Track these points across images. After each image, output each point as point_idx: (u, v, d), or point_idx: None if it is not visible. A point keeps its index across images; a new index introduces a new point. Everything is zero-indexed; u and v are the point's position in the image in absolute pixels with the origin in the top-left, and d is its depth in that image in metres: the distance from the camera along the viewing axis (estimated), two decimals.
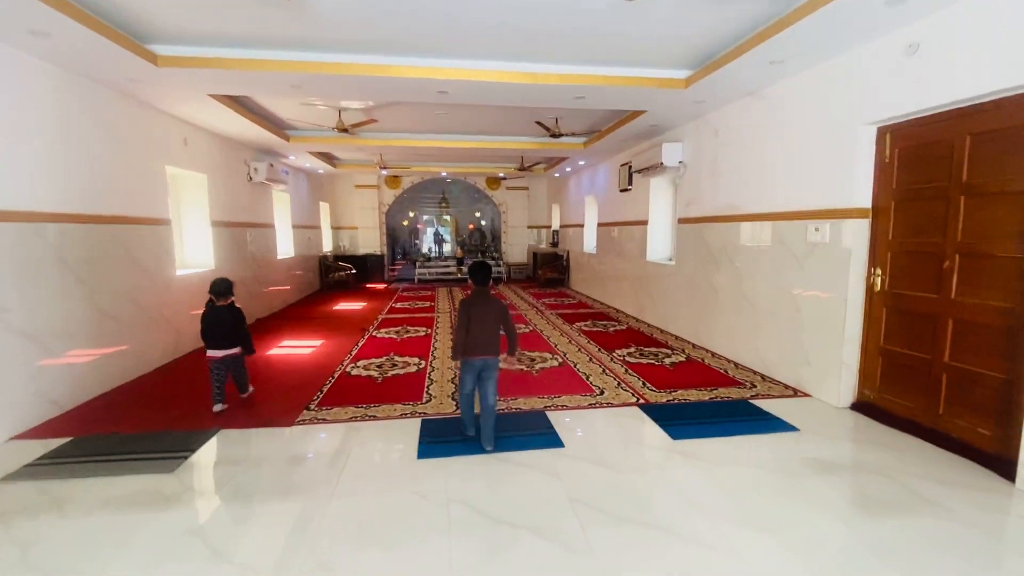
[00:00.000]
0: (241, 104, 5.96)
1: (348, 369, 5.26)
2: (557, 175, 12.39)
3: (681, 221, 6.69)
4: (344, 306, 9.77)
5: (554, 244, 14.29)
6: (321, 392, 4.55)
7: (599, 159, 9.48)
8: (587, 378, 4.89)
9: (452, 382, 4.79)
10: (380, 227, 14.65)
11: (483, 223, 20.29)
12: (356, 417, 3.94)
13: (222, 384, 4.14)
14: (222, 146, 7.15)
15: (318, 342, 6.58)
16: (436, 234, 21.57)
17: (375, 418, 3.93)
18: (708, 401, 4.29)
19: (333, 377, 5.00)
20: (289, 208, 10.24)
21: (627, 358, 5.63)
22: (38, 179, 3.92)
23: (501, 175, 12.91)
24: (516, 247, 15.24)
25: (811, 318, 4.39)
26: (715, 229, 5.84)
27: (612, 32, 3.95)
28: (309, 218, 11.66)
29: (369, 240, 14.35)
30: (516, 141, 8.33)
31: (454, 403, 4.20)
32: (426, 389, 4.59)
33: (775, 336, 4.83)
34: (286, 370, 5.30)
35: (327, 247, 13.37)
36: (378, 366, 5.37)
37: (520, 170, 10.43)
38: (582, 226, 11.33)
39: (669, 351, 5.94)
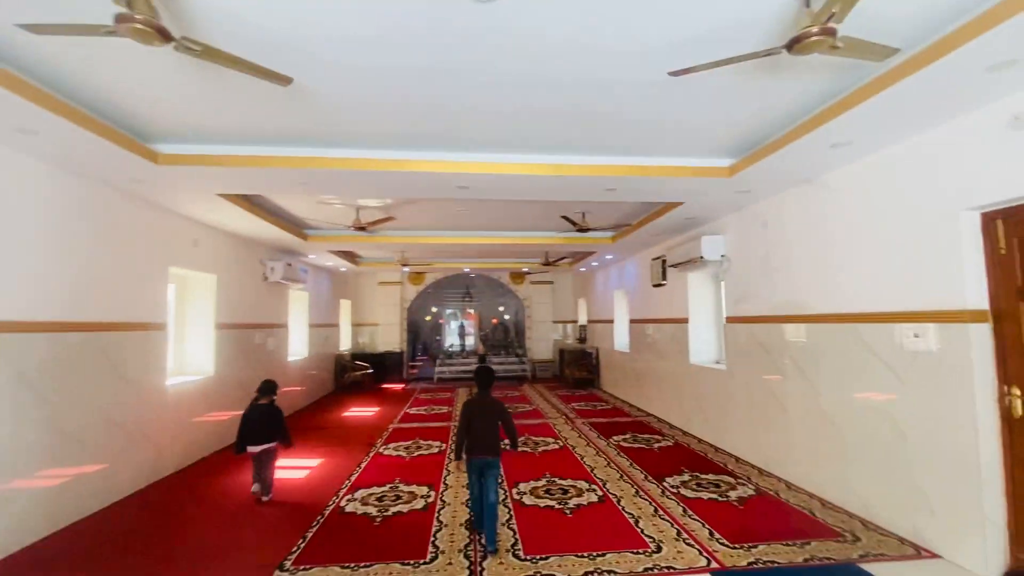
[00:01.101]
0: (255, 203, 5.74)
1: (343, 504, 4.38)
2: (583, 269, 11.96)
3: (730, 320, 5.92)
4: (355, 411, 8.98)
5: (581, 340, 13.49)
6: (304, 540, 3.66)
7: (628, 253, 8.99)
8: (636, 522, 3.88)
9: (464, 527, 3.85)
10: (402, 323, 14.22)
11: (506, 317, 19.78)
12: None
13: (262, 475, 4.47)
14: (236, 245, 6.92)
15: (316, 461, 5.74)
16: (460, 327, 21.08)
17: None
18: (806, 566, 3.22)
19: (323, 515, 4.12)
20: (307, 307, 9.91)
21: (682, 490, 4.59)
22: (5, 284, 3.50)
23: (525, 270, 12.57)
24: (541, 343, 14.50)
25: (924, 450, 3.41)
26: (774, 331, 5.04)
27: (647, 118, 3.53)
28: (328, 316, 11.31)
29: (390, 336, 13.87)
30: (540, 237, 7.96)
31: (463, 556, 3.25)
32: (433, 539, 3.65)
33: (873, 469, 3.81)
34: (269, 502, 4.45)
35: (345, 345, 12.89)
36: (379, 499, 4.47)
37: (545, 265, 10.03)
38: (611, 322, 10.61)
39: (732, 479, 4.87)
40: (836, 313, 4.18)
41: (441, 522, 3.94)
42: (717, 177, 4.41)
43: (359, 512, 4.17)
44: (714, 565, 3.21)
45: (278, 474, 5.27)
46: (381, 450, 6.18)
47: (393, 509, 4.23)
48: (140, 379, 4.86)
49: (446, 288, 18.10)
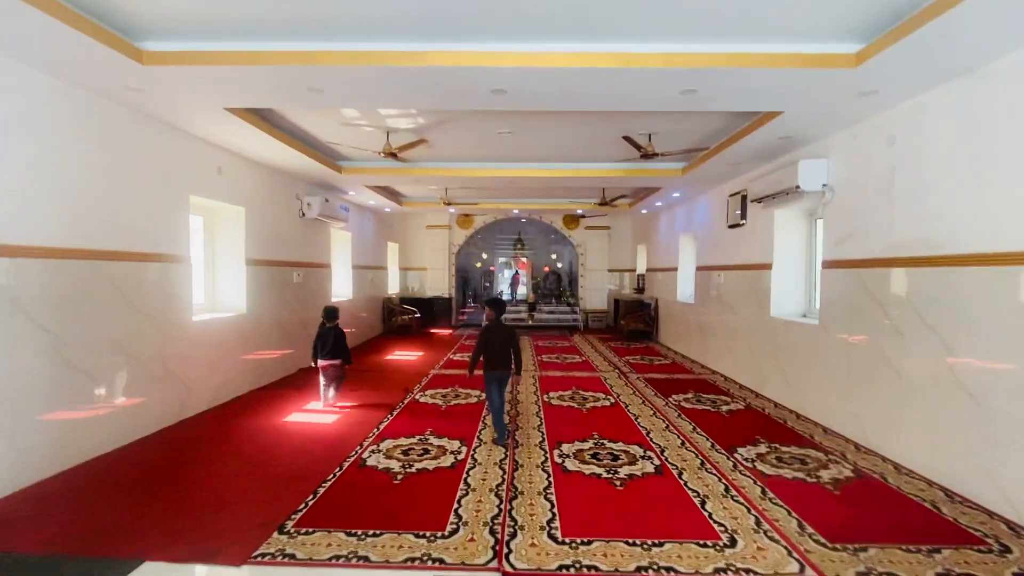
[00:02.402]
0: (274, 125, 5.18)
1: (365, 455, 3.96)
2: (644, 211, 10.82)
3: (828, 265, 4.84)
4: (400, 355, 8.71)
5: (639, 290, 12.52)
6: (314, 496, 3.25)
7: (700, 189, 7.82)
8: (702, 504, 3.17)
9: (495, 492, 3.30)
10: (450, 268, 13.79)
11: (559, 266, 18.95)
12: (338, 559, 2.56)
13: (327, 387, 5.28)
14: (266, 176, 6.48)
15: (350, 405, 5.40)
16: (514, 275, 20.50)
17: (367, 563, 2.52)
18: None
19: (341, 468, 3.71)
20: (350, 247, 9.57)
21: (759, 464, 3.80)
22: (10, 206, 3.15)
23: (579, 212, 11.59)
24: (594, 292, 13.65)
25: None
26: (891, 277, 3.97)
27: None
28: (374, 258, 11.00)
29: (439, 282, 13.51)
30: (597, 169, 6.97)
31: (488, 531, 2.70)
32: (456, 505, 3.13)
33: None
34: (291, 449, 4.11)
35: (393, 288, 12.67)
36: (404, 452, 4.02)
37: (601, 205, 9.04)
38: (675, 270, 9.56)
39: (821, 455, 4.02)
40: (993, 253, 3.08)
41: (469, 485, 3.41)
42: (837, 68, 3.29)
43: (380, 467, 3.73)
44: (810, 573, 2.46)
45: (306, 416, 4.98)
46: (418, 396, 5.77)
47: (418, 465, 3.75)
48: (160, 314, 4.57)
49: (497, 234, 17.40)
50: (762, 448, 4.19)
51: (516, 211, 11.71)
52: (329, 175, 7.08)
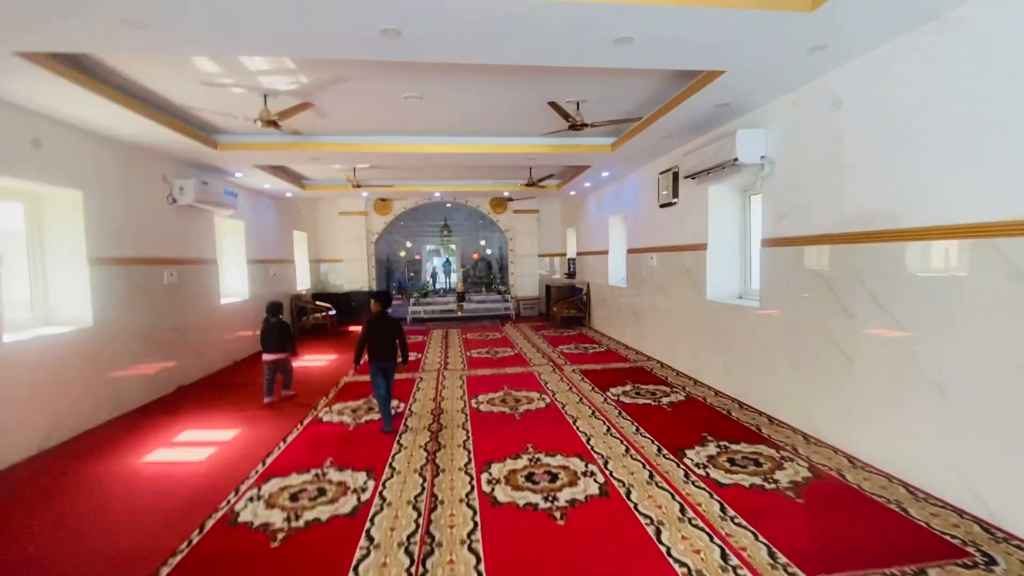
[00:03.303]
0: (108, 83, 3.99)
1: (239, 506, 3.07)
2: (573, 193, 10.36)
3: (768, 243, 4.51)
4: (309, 360, 7.64)
5: (570, 275, 12.16)
6: None
7: (630, 167, 7.40)
8: (659, 535, 2.64)
9: (406, 547, 2.57)
10: (369, 259, 12.67)
11: (488, 252, 18.29)
12: None
13: (271, 382, 5.28)
14: (115, 154, 5.18)
15: (231, 432, 4.41)
16: (446, 263, 19.53)
17: None
18: None
19: (202, 530, 2.81)
20: (243, 239, 8.27)
21: (711, 470, 3.36)
22: None
23: (506, 194, 10.93)
24: (525, 279, 13.14)
25: None
26: (840, 255, 3.65)
27: None
28: (276, 250, 9.69)
29: (357, 274, 12.36)
30: (523, 144, 6.30)
31: None
32: (353, 572, 2.37)
33: (1011, 456, 2.56)
34: (140, 504, 3.13)
35: (303, 284, 11.37)
36: (293, 497, 3.17)
37: (528, 186, 8.42)
38: (606, 253, 9.20)
39: (773, 452, 3.67)
40: (962, 225, 2.77)
41: (372, 540, 2.66)
42: (792, 11, 2.80)
43: (256, 523, 2.87)
44: None
45: (173, 451, 3.95)
46: (322, 414, 4.87)
47: (308, 515, 2.93)
48: None
49: (421, 220, 16.35)
50: (711, 448, 3.77)
51: (437, 194, 10.84)
52: (203, 153, 5.86)
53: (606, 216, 9.14)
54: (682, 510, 2.88)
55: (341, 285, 12.35)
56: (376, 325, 4.35)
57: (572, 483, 3.25)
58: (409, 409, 4.94)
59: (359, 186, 8.05)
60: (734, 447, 3.80)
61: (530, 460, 3.63)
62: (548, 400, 5.12)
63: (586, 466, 3.50)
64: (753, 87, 4.04)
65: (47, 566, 2.52)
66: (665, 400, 5.05)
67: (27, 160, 4.14)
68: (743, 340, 4.94)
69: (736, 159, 4.51)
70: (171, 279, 6.09)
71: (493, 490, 3.18)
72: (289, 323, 5.40)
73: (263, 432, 4.41)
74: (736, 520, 2.76)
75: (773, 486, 3.15)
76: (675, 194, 6.25)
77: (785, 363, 4.29)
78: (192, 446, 4.14)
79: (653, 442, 3.93)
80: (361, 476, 3.44)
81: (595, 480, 3.28)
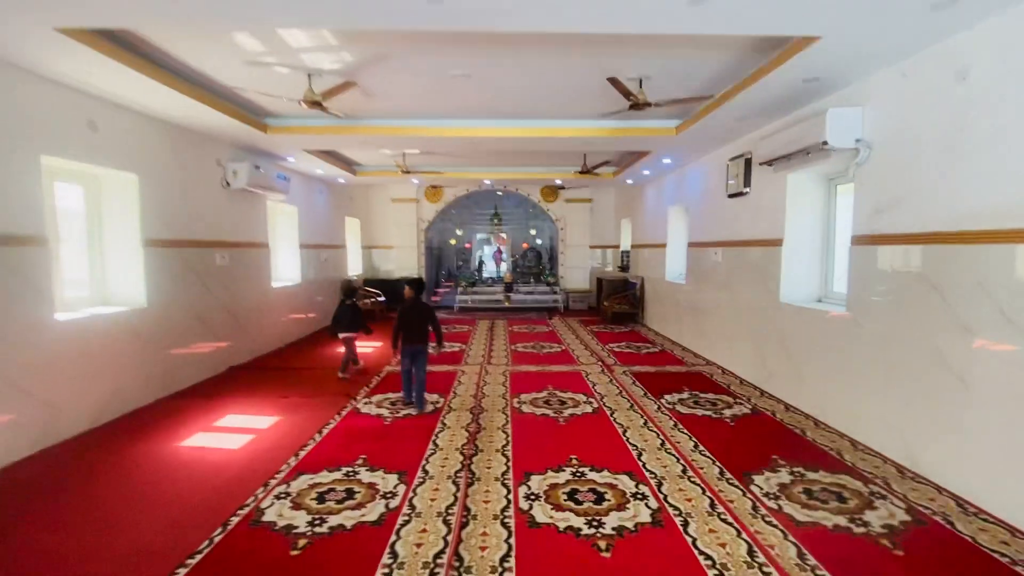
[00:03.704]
0: (156, 63, 3.95)
1: (265, 503, 2.94)
2: (630, 181, 9.79)
3: (861, 241, 3.89)
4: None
5: (623, 268, 11.58)
6: None
7: (695, 153, 6.80)
8: None
9: (430, 570, 2.32)
10: (419, 246, 12.63)
11: (538, 242, 17.90)
12: None
13: (348, 358, 5.82)
14: (170, 137, 5.24)
15: (269, 421, 4.36)
16: (496, 252, 19.33)
17: None
18: None
19: (225, 528, 2.69)
20: (297, 224, 8.35)
21: (784, 503, 2.90)
22: None
23: (558, 182, 10.49)
24: (576, 271, 12.66)
25: None
26: (961, 256, 3.04)
27: None
28: (329, 236, 9.79)
29: (407, 261, 12.34)
30: (578, 127, 5.87)
31: None
32: None
33: None
34: (168, 494, 3.07)
35: (355, 270, 11.49)
36: (320, 496, 3.01)
37: (582, 174, 7.97)
38: (663, 246, 8.61)
39: (861, 484, 3.13)
40: None
41: (396, 556, 2.43)
42: None
43: (280, 524, 2.71)
44: None
45: (212, 436, 3.89)
46: (360, 405, 4.75)
47: (333, 520, 2.75)
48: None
49: (472, 208, 16.25)
50: (783, 475, 3.29)
51: (488, 181, 10.55)
52: (254, 136, 5.85)
53: (665, 207, 8.53)
54: (750, 552, 2.45)
55: (391, 271, 12.39)
56: (410, 310, 4.56)
57: (620, 506, 2.89)
58: (448, 405, 4.72)
59: (408, 172, 7.90)
60: (811, 475, 3.30)
61: (573, 474, 3.30)
62: (595, 404, 4.75)
63: (636, 487, 3.13)
64: (853, 57, 3.43)
65: (69, 558, 2.47)
66: (728, 412, 4.55)
67: (83, 142, 4.20)
68: (823, 350, 4.35)
69: (825, 143, 3.90)
70: (223, 262, 6.18)
71: (531, 507, 2.88)
72: (360, 308, 6.03)
73: (301, 421, 4.33)
74: (818, 572, 2.31)
75: (863, 530, 2.66)
76: (746, 183, 5.63)
77: (877, 380, 3.70)
78: (232, 432, 4.11)
79: (714, 462, 3.49)
80: (392, 479, 3.23)
81: (647, 505, 2.90)
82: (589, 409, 4.62)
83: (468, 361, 6.55)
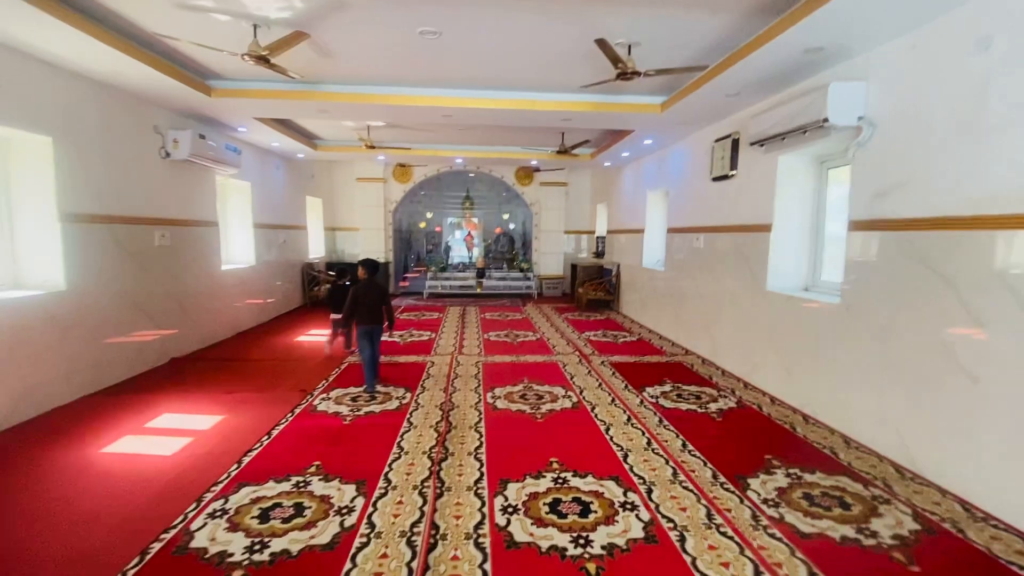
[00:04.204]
0: (66, 3, 3.32)
1: (196, 523, 2.49)
2: (608, 164, 9.46)
3: (860, 226, 3.65)
4: (313, 335, 7.12)
5: (598, 254, 11.33)
6: None
7: (679, 133, 6.49)
8: None
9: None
10: (386, 229, 12.03)
11: (511, 227, 17.47)
12: None
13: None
14: (97, 98, 4.56)
15: (213, 420, 3.86)
16: (466, 236, 18.73)
17: None
18: None
19: (143, 557, 2.24)
20: (250, 201, 7.68)
21: (784, 510, 2.64)
22: None
23: (534, 163, 10.07)
24: (550, 256, 12.33)
25: None
26: (973, 244, 2.81)
27: None
28: (287, 215, 9.11)
29: (373, 244, 11.73)
30: (559, 100, 5.45)
31: None
32: None
33: None
34: (81, 512, 2.58)
35: (317, 252, 10.83)
36: (262, 514, 2.58)
37: (560, 154, 7.57)
38: (641, 232, 8.35)
39: (861, 487, 2.92)
40: None
41: None
42: None
43: (209, 552, 2.28)
44: None
45: (143, 439, 3.35)
46: (317, 401, 4.30)
47: (275, 545, 2.33)
48: None
49: (442, 190, 15.64)
50: (780, 478, 3.05)
51: (459, 160, 10.04)
52: (196, 99, 5.19)
53: (644, 191, 8.25)
54: (757, 573, 2.18)
55: (357, 255, 11.76)
56: (363, 290, 4.53)
57: (609, 519, 2.57)
58: (415, 401, 4.32)
59: (373, 147, 7.33)
60: (808, 477, 3.07)
61: (555, 481, 2.97)
62: (575, 399, 4.44)
63: (625, 495, 2.82)
64: (862, 24, 3.14)
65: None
66: (713, 407, 4.32)
67: None
68: (812, 341, 4.14)
69: (826, 120, 3.63)
70: (163, 241, 5.54)
71: (508, 523, 2.53)
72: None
73: (248, 421, 3.85)
74: None
75: (873, 542, 2.42)
76: (733, 165, 5.37)
77: (872, 374, 3.49)
78: (165, 434, 3.60)
79: (706, 464, 3.22)
80: (350, 490, 2.83)
81: (638, 517, 2.60)
82: (568, 404, 4.30)
83: (438, 351, 6.14)
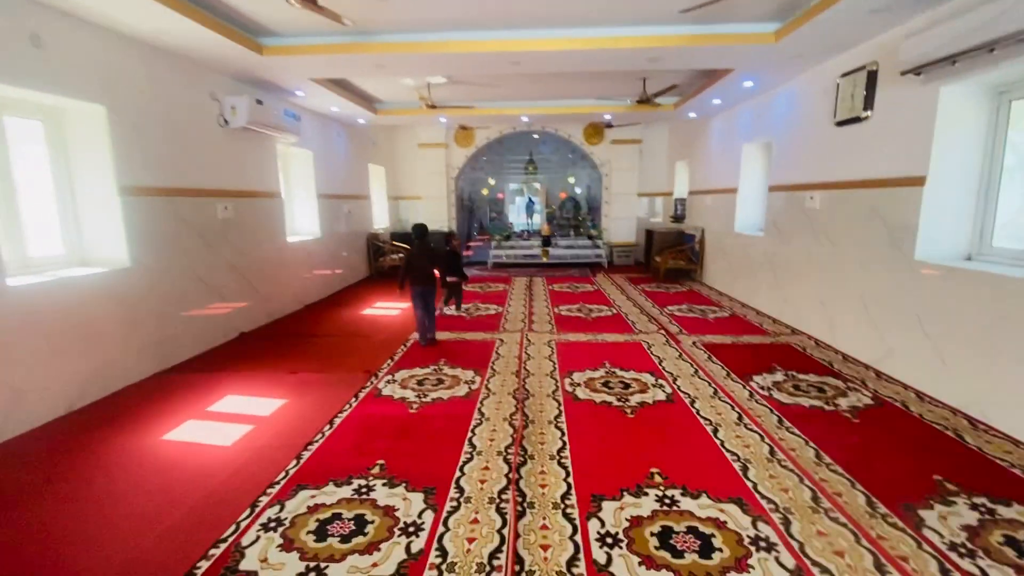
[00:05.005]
0: None
1: (247, 537, 2.19)
2: (692, 115, 8.38)
3: None
4: (381, 308, 6.90)
5: (676, 218, 10.32)
6: None
7: (789, 70, 5.42)
8: None
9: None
10: (449, 197, 11.64)
11: (577, 191, 16.57)
12: None
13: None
14: (149, 63, 4.32)
15: (275, 404, 3.63)
16: (528, 203, 18.05)
17: None
18: None
19: (193, 573, 1.95)
20: (312, 171, 7.47)
21: (986, 563, 1.94)
22: None
23: (607, 117, 9.14)
24: (620, 222, 11.45)
25: None
26: None
27: None
28: (351, 185, 8.90)
29: (436, 213, 11.41)
30: (644, 34, 4.60)
31: None
32: None
33: None
34: (139, 504, 2.36)
35: (381, 223, 10.66)
36: (318, 528, 2.24)
37: (641, 103, 6.65)
38: (733, 191, 7.34)
39: None
40: None
41: None
42: None
43: (261, 572, 1.96)
44: None
45: (204, 425, 3.13)
46: (382, 385, 3.97)
47: (332, 573, 1.97)
48: None
49: (504, 154, 15.00)
50: (962, 508, 2.32)
51: (525, 118, 9.31)
52: (249, 60, 4.86)
53: (738, 144, 7.19)
54: None
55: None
56: (416, 254, 4.87)
57: (741, 564, 1.99)
58: (486, 387, 3.88)
59: (435, 107, 6.80)
60: (1003, 511, 2.31)
61: (660, 500, 2.41)
62: (668, 389, 3.81)
63: (754, 525, 2.22)
64: None
65: None
66: (844, 403, 3.54)
67: (26, 62, 3.32)
68: (984, 324, 3.23)
69: None
70: (226, 213, 5.38)
71: (610, 561, 2.02)
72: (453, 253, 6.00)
73: (311, 406, 3.58)
74: None
75: None
76: (868, 105, 4.33)
77: None
78: (227, 420, 3.40)
79: (854, 485, 2.53)
80: (416, 500, 2.43)
81: (779, 562, 2.00)
82: (662, 396, 3.69)
83: (506, 327, 5.68)
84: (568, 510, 2.34)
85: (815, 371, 4.17)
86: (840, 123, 4.72)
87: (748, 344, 4.97)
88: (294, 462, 2.82)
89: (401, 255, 9.71)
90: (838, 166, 4.79)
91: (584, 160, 12.19)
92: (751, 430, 3.13)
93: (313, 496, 2.49)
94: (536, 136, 12.23)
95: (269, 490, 2.54)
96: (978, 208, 3.70)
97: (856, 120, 4.49)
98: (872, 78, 4.27)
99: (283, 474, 2.69)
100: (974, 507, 2.34)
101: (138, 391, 3.94)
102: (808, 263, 5.33)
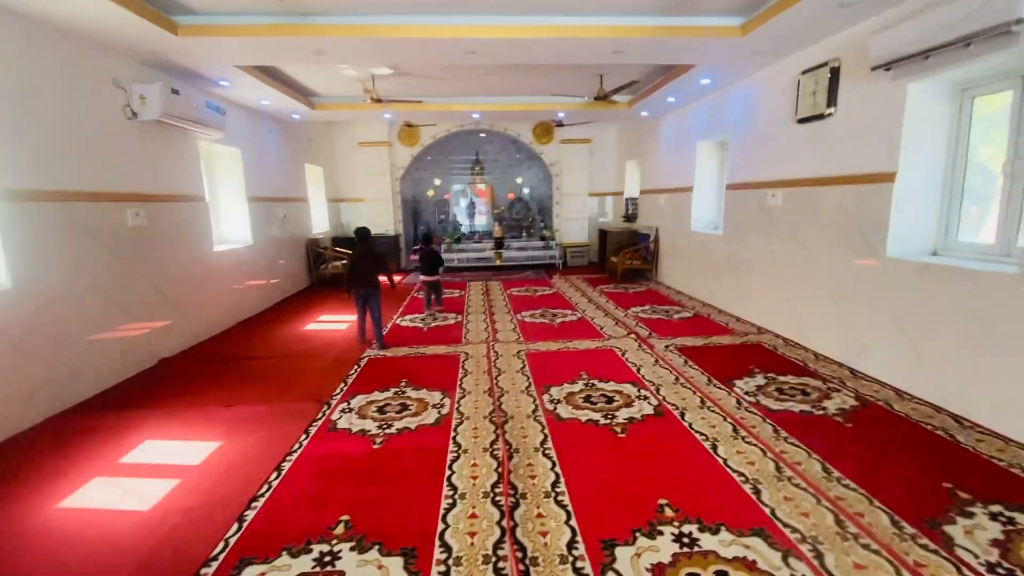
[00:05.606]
0: None
1: None
2: (645, 114, 8.32)
3: None
4: (325, 321, 6.27)
5: (628, 218, 10.31)
6: None
7: (748, 66, 5.38)
8: None
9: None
10: (394, 199, 11.04)
11: (525, 191, 16.33)
12: None
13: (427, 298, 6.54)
14: (28, 40, 3.55)
15: (207, 448, 3.04)
16: (470, 205, 17.55)
17: None
18: None
19: None
20: (242, 170, 6.69)
21: None
22: None
23: (560, 115, 8.91)
24: (573, 222, 11.32)
25: None
26: None
27: None
28: (285, 187, 8.12)
29: (380, 216, 10.78)
30: (608, 23, 4.36)
31: None
32: None
33: None
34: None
35: (321, 227, 9.88)
36: None
37: (598, 100, 6.45)
38: (688, 190, 7.32)
39: None
40: None
41: None
42: None
43: None
44: None
45: (111, 484, 2.51)
46: (336, 415, 3.46)
47: None
48: None
49: (450, 154, 14.48)
50: (983, 520, 2.21)
51: (476, 114, 8.91)
52: (162, 41, 4.16)
53: (692, 142, 7.17)
54: None
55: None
56: (359, 257, 4.97)
57: None
58: (457, 410, 3.47)
59: (380, 101, 6.25)
60: (1021, 518, 2.22)
61: (678, 541, 2.12)
62: (654, 401, 3.57)
63: (786, 562, 1.98)
64: None
65: None
66: (831, 406, 3.45)
67: None
68: (959, 319, 3.22)
69: (1020, 20, 2.60)
70: (138, 220, 4.61)
71: None
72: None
73: (252, 447, 3.02)
74: None
75: None
76: (831, 102, 4.32)
77: None
78: (145, 475, 2.78)
79: (871, 501, 2.36)
80: (395, 568, 2.00)
81: None
82: (649, 409, 3.44)
83: (469, 338, 5.27)
84: (579, 563, 2.00)
85: (792, 372, 4.09)
86: (802, 120, 4.71)
87: (719, 345, 4.87)
88: (235, 526, 2.29)
89: (344, 261, 9.04)
90: (801, 164, 4.78)
91: (533, 160, 11.97)
92: (750, 444, 2.93)
93: (263, 574, 1.99)
94: (483, 135, 11.86)
95: (204, 571, 2.02)
96: (943, 203, 3.73)
97: (819, 117, 4.48)
98: (835, 75, 4.26)
99: (221, 545, 2.17)
100: (993, 517, 2.23)
101: (25, 443, 3.19)
102: (771, 261, 5.32)
